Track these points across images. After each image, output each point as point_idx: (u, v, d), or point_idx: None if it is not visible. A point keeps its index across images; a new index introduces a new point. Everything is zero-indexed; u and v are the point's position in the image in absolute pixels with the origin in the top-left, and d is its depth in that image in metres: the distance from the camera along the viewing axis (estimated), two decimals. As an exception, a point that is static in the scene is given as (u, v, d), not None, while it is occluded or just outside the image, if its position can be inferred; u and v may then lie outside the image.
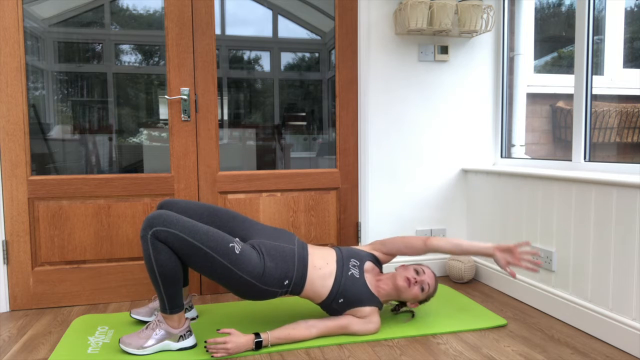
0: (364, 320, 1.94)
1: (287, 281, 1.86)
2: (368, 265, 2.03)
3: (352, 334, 1.94)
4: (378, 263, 2.09)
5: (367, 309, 1.95)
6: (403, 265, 2.07)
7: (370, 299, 1.95)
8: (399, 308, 2.16)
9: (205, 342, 1.85)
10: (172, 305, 1.78)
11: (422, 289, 1.97)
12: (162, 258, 1.70)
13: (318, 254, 1.98)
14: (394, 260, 2.73)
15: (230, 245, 1.77)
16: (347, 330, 1.93)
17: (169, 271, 1.72)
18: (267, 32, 2.72)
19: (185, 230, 1.70)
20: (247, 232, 2.00)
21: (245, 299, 1.87)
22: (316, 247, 2.04)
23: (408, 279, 1.96)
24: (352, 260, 1.99)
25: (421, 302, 2.04)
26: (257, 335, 1.83)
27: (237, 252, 1.77)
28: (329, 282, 1.91)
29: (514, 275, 1.88)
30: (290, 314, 2.21)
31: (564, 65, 3.38)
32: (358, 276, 1.95)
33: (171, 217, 1.72)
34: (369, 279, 2.00)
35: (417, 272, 2.00)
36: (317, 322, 1.92)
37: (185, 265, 2.11)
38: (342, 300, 1.91)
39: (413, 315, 2.15)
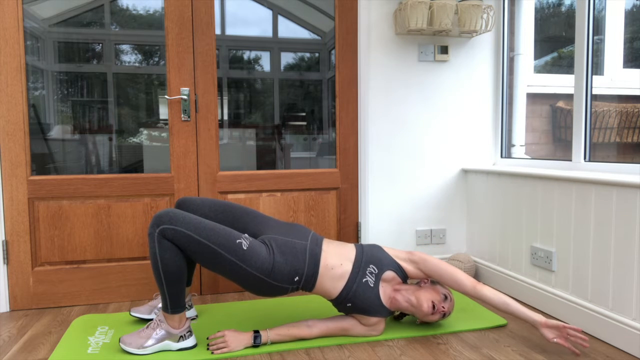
0: (367, 327, 1.93)
1: (297, 277, 1.81)
2: (388, 274, 1.92)
3: (353, 335, 1.94)
4: (403, 275, 1.96)
5: (373, 319, 1.92)
6: (432, 283, 1.98)
7: (379, 311, 1.90)
8: (402, 317, 2.14)
9: (208, 338, 1.86)
10: (174, 304, 1.78)
11: (443, 316, 1.94)
12: (167, 256, 1.70)
13: (334, 252, 1.90)
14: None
15: (238, 241, 1.75)
16: (348, 333, 1.93)
17: (173, 270, 1.72)
18: (267, 32, 2.72)
19: (191, 228, 1.71)
20: (260, 228, 1.98)
21: (257, 294, 1.85)
22: (335, 243, 1.95)
23: (434, 305, 1.89)
24: (371, 266, 1.90)
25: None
26: (256, 332, 1.84)
27: (245, 247, 1.75)
28: (340, 285, 1.85)
29: (565, 345, 1.78)
30: (291, 315, 2.21)
31: (564, 65, 3.38)
32: (372, 285, 1.87)
33: (178, 214, 1.72)
34: (384, 289, 1.91)
35: (444, 299, 1.93)
36: (319, 322, 1.92)
37: (190, 266, 2.11)
38: (350, 304, 1.88)
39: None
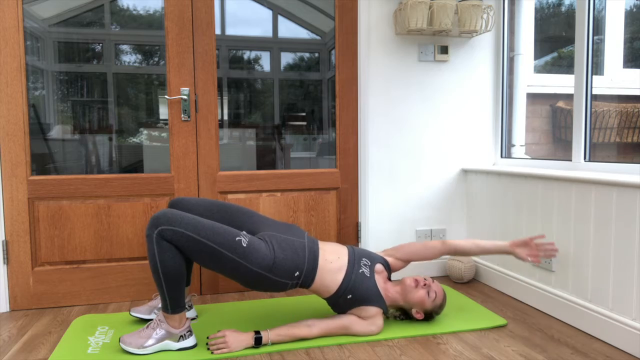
0: (367, 322, 1.94)
1: (297, 272, 1.85)
2: (378, 267, 2.03)
3: (354, 334, 1.94)
4: (388, 269, 2.08)
5: (373, 309, 1.94)
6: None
7: (377, 300, 1.95)
8: (402, 318, 2.14)
9: (208, 337, 1.86)
10: (174, 305, 1.78)
11: (429, 294, 1.98)
12: (167, 258, 1.70)
13: (329, 249, 1.99)
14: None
15: (237, 239, 1.77)
16: (348, 331, 1.93)
17: (173, 271, 1.72)
18: (267, 32, 2.72)
19: (190, 228, 1.71)
20: (256, 226, 2.01)
21: (256, 290, 1.87)
22: (327, 242, 2.04)
23: (417, 281, 1.99)
24: (363, 259, 2.00)
25: (427, 315, 2.05)
26: (257, 332, 1.84)
27: (245, 244, 1.77)
28: (339, 277, 1.91)
29: (538, 262, 1.96)
30: (291, 314, 2.21)
31: (564, 65, 3.38)
32: (368, 275, 1.96)
33: (176, 215, 1.72)
34: (378, 280, 2.00)
35: (426, 280, 2.02)
36: (319, 321, 1.92)
37: (188, 265, 2.11)
38: (350, 296, 1.91)
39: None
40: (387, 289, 2.01)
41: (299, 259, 1.86)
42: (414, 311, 2.03)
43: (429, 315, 2.05)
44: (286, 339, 1.87)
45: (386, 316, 2.14)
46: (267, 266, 1.79)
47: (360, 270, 1.95)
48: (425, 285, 1.99)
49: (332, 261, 1.93)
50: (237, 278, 1.80)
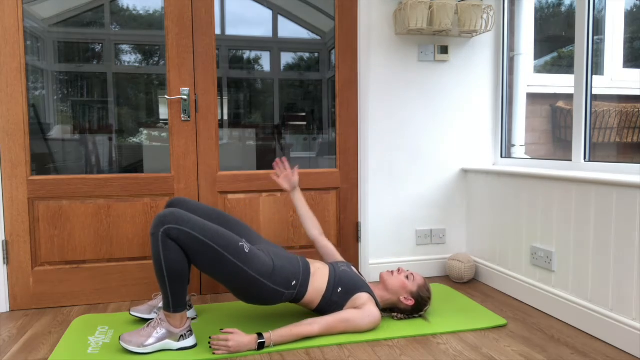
0: (362, 310, 1.96)
1: (294, 281, 1.93)
2: (354, 270, 2.17)
3: (354, 327, 1.94)
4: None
5: (364, 295, 2.01)
6: None
7: (365, 286, 2.04)
8: (402, 317, 2.13)
9: (210, 337, 1.86)
10: (176, 303, 1.79)
11: (407, 277, 2.09)
12: (172, 256, 1.72)
13: (314, 260, 2.13)
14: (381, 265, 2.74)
15: (240, 244, 1.83)
16: (348, 324, 1.94)
17: (177, 269, 1.74)
18: (267, 32, 2.72)
19: (197, 229, 1.74)
20: (251, 240, 2.11)
21: (249, 301, 1.89)
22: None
23: (391, 271, 2.13)
24: (339, 262, 2.16)
25: (416, 300, 2.06)
26: (260, 335, 1.83)
27: (247, 250, 1.83)
28: (325, 278, 2.02)
29: (295, 177, 2.29)
30: (291, 314, 2.21)
31: (564, 65, 3.38)
32: (349, 270, 2.09)
33: (183, 215, 1.75)
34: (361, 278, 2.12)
35: (399, 268, 2.15)
36: (319, 318, 1.94)
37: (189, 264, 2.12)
38: (340, 289, 1.99)
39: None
40: (372, 288, 2.10)
41: (294, 268, 1.96)
42: (402, 298, 2.07)
43: (419, 300, 2.07)
44: (289, 339, 1.87)
45: (380, 309, 2.14)
46: (266, 273, 1.85)
47: (342, 268, 2.08)
48: (399, 271, 2.11)
49: (320, 267, 2.06)
50: (234, 284, 1.81)
